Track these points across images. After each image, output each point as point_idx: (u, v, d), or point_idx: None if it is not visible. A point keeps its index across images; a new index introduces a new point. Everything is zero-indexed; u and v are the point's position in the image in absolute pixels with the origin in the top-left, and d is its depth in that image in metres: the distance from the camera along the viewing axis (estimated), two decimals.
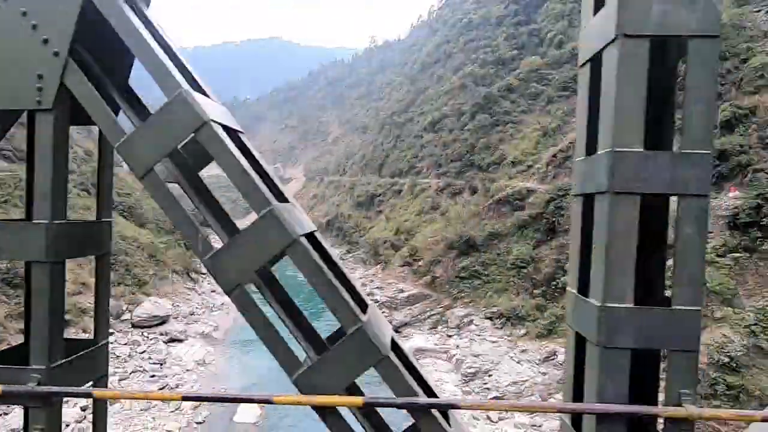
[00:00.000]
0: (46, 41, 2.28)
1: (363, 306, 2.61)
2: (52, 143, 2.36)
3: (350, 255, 55.66)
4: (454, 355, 25.38)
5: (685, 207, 1.92)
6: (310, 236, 2.59)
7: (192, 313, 31.29)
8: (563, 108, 49.86)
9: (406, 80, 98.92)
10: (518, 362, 22.94)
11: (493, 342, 25.98)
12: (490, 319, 28.76)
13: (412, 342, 28.69)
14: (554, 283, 26.40)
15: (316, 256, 2.21)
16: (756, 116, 24.60)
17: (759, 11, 32.18)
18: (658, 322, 1.93)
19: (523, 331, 25.66)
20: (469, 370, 23.19)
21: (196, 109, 2.18)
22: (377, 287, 37.32)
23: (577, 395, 2.30)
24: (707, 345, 15.91)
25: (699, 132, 1.91)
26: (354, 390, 2.52)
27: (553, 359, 21.98)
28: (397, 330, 31.48)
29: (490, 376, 22.62)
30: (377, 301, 34.56)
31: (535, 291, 27.45)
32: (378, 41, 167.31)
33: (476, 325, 28.93)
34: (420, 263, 36.83)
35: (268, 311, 2.38)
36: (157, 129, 2.24)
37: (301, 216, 2.62)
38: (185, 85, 2.28)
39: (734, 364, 14.91)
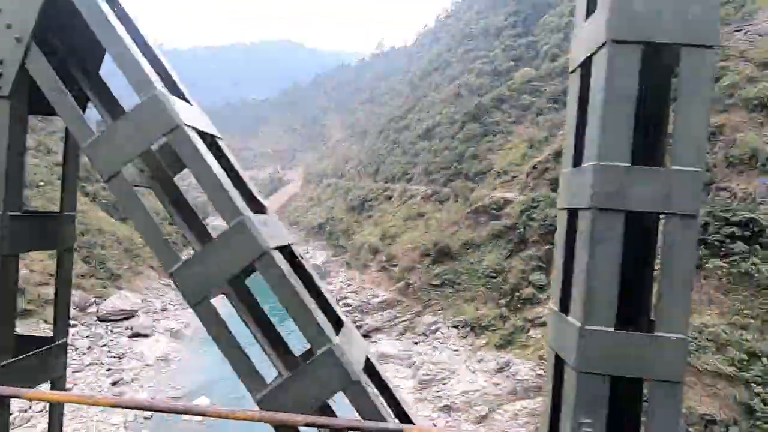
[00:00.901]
0: (9, 26, 2.17)
1: (339, 323, 2.48)
2: (8, 132, 2.24)
3: (336, 258, 55.92)
4: (414, 362, 25.44)
5: (673, 227, 1.77)
6: (287, 249, 2.43)
7: (164, 309, 31.59)
8: (552, 120, 49.98)
9: (406, 87, 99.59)
10: (473, 372, 22.96)
11: (455, 350, 26.02)
12: (456, 327, 28.79)
13: (379, 347, 28.82)
14: (518, 294, 26.41)
15: (286, 270, 2.08)
16: (723, 134, 24.59)
17: (739, 31, 32.24)
18: (639, 348, 1.77)
19: (484, 341, 25.66)
20: (425, 378, 23.24)
21: (169, 111, 2.08)
22: (352, 291, 37.51)
23: (555, 420, 2.16)
24: None
25: (690, 148, 1.75)
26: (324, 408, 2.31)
27: (506, 370, 21.97)
28: (366, 335, 31.60)
29: (444, 384, 22.65)
30: (350, 306, 34.76)
31: (500, 301, 27.45)
32: (385, 47, 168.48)
33: (442, 333, 28.98)
34: (396, 269, 36.97)
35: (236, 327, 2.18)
36: (127, 131, 2.11)
37: (277, 228, 2.48)
38: (159, 87, 2.18)
39: None
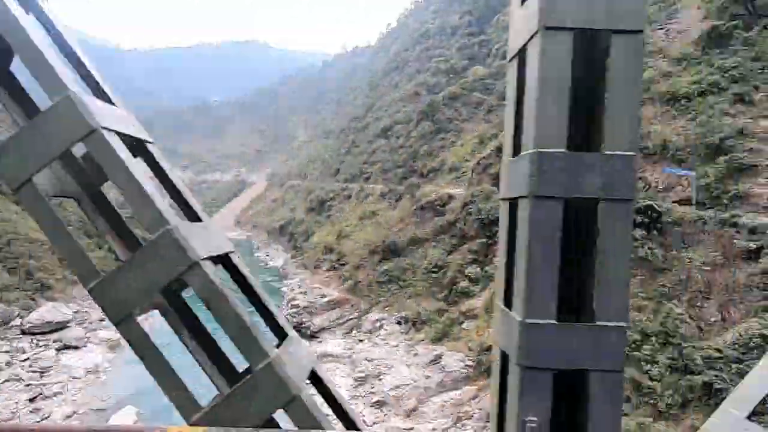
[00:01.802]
0: None
1: (282, 335, 2.35)
2: None
3: (294, 260, 55.50)
4: (354, 360, 25.57)
5: (608, 212, 1.75)
6: (224, 258, 2.29)
7: (102, 320, 30.51)
8: (501, 116, 50.95)
9: (366, 86, 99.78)
10: (408, 366, 23.26)
11: (394, 346, 26.28)
12: (399, 323, 29.09)
13: (324, 347, 28.80)
14: (455, 287, 26.92)
15: (218, 282, 1.95)
16: (639, 127, 25.82)
17: (662, 29, 33.94)
18: (581, 339, 1.72)
19: (422, 335, 26.03)
20: (361, 375, 23.38)
21: (84, 114, 1.91)
22: (302, 292, 37.28)
23: (502, 419, 2.08)
24: None
25: (623, 132, 1.75)
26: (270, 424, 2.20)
27: (437, 363, 22.35)
28: (314, 335, 31.53)
29: (380, 380, 22.85)
30: (299, 307, 34.55)
31: (439, 295, 27.92)
32: (349, 47, 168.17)
33: (385, 330, 29.22)
34: (345, 268, 37.01)
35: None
36: (37, 135, 1.92)
37: (215, 236, 2.34)
38: (75, 88, 2.01)
39: None
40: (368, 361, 24.32)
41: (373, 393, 21.91)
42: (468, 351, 21.67)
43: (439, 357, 22.64)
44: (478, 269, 26.59)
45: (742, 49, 26.60)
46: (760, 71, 25.25)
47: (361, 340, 29.36)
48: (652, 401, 13.58)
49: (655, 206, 17.48)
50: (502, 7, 76.79)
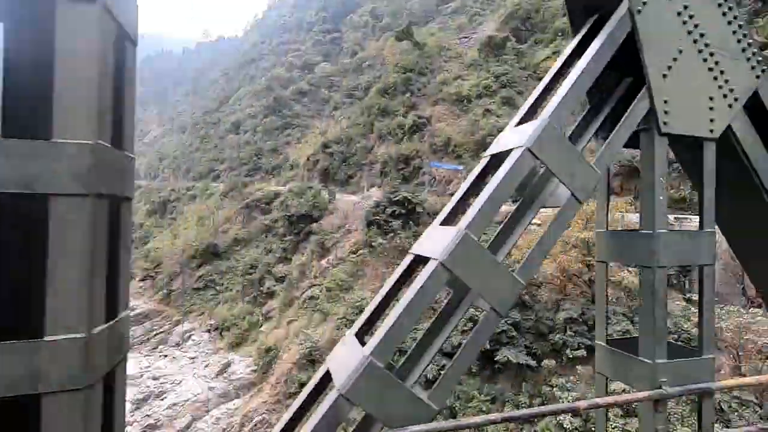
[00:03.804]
0: None
1: None
2: None
3: None
4: (139, 381, 22.77)
5: (61, 209, 1.51)
6: None
7: None
8: (347, 114, 51.55)
9: (223, 79, 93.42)
10: (197, 378, 21.43)
11: (192, 358, 24.15)
12: (209, 331, 27.00)
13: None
14: (261, 288, 25.84)
15: None
16: (430, 125, 27.84)
17: (466, 38, 37.62)
18: (23, 360, 1.44)
19: (224, 342, 24.40)
20: (141, 397, 20.82)
21: None
22: None
23: None
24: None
25: (76, 118, 1.52)
26: None
27: (225, 371, 20.96)
28: None
29: (162, 400, 20.59)
30: None
31: (248, 298, 26.57)
32: (213, 36, 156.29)
33: (194, 340, 26.85)
34: (161, 276, 33.41)
35: None
36: None
37: None
38: None
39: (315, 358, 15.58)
40: (154, 379, 21.86)
41: (148, 416, 19.61)
42: (257, 356, 20.72)
43: (228, 365, 21.29)
44: (285, 268, 25.88)
45: (512, 59, 30.50)
46: (525, 78, 29.17)
47: (166, 356, 26.53)
48: None
49: (410, 198, 18.51)
50: (357, 6, 78.27)
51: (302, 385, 14.90)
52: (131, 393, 22.11)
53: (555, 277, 13.18)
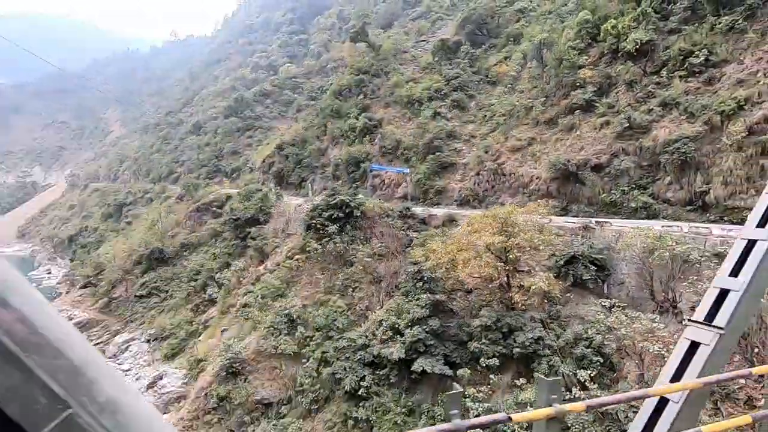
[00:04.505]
0: None
1: None
2: None
3: (67, 278, 46.33)
4: None
5: None
6: None
7: None
8: (311, 116, 50.64)
9: (188, 79, 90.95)
10: None
11: (126, 371, 22.86)
12: (149, 341, 25.73)
13: None
14: (204, 295, 24.81)
15: None
16: (382, 127, 27.50)
17: (423, 41, 37.68)
18: None
19: (161, 353, 23.24)
20: None
21: None
22: None
23: None
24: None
25: None
26: None
27: (156, 384, 19.85)
28: None
29: None
30: None
31: (190, 305, 25.46)
32: (182, 36, 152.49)
33: (131, 351, 25.51)
34: (102, 283, 31.80)
35: None
36: None
37: None
38: None
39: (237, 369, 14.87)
40: None
41: None
42: (189, 368, 19.73)
43: (160, 377, 20.20)
44: (228, 274, 24.93)
45: (465, 62, 30.58)
46: (476, 82, 29.28)
47: None
48: (303, 399, 13.57)
49: (348, 201, 18.03)
50: (326, 8, 77.62)
51: (221, 399, 14.20)
52: None
53: (478, 284, 12.96)
